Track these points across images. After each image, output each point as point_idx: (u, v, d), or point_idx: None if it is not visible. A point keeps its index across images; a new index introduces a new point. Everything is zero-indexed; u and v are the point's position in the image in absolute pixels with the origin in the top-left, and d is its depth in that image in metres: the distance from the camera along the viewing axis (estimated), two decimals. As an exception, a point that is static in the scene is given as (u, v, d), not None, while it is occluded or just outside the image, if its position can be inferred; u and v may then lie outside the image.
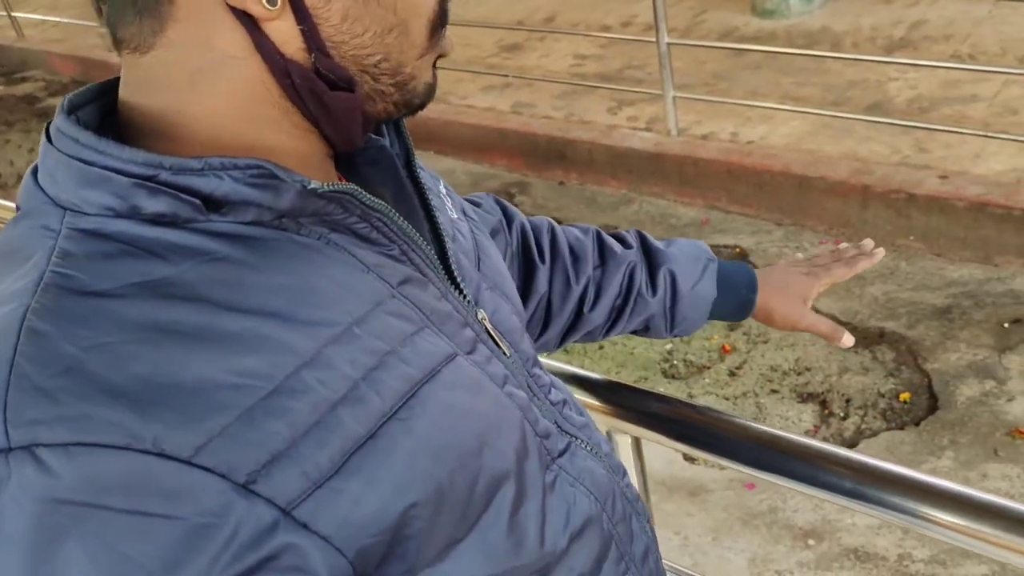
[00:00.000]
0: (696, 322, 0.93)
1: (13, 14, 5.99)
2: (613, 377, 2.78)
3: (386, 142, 0.63)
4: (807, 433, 2.34)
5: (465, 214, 0.71)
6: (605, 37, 4.18)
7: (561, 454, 0.64)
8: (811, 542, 2.04)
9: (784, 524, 2.10)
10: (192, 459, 0.42)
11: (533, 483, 0.59)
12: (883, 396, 2.40)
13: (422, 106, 0.57)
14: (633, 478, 1.07)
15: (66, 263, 0.45)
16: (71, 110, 0.50)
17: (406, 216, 0.56)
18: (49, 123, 0.50)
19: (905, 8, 3.98)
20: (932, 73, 3.38)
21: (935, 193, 2.83)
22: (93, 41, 5.47)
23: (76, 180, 0.47)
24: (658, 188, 3.46)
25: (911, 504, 0.80)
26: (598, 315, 0.89)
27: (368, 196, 0.51)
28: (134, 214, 0.46)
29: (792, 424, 2.37)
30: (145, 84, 0.50)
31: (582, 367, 2.81)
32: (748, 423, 0.92)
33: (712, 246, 3.10)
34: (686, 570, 1.15)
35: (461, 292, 0.60)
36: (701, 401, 2.49)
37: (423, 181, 0.64)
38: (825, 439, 2.31)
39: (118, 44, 0.50)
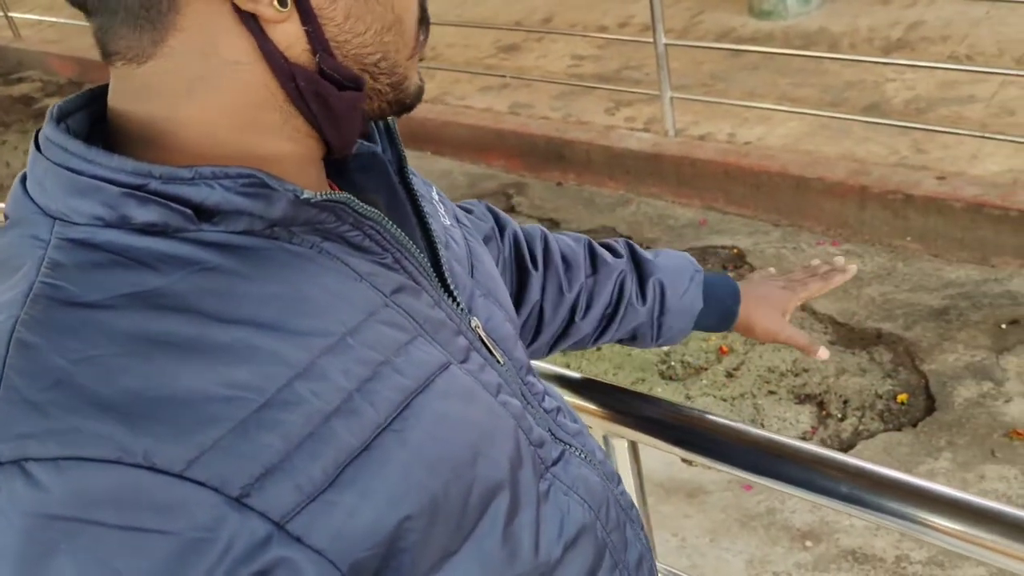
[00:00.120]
0: (681, 332, 0.94)
1: (10, 14, 5.98)
2: (610, 379, 2.77)
3: (378, 148, 0.62)
4: (805, 434, 2.34)
5: (458, 220, 0.71)
6: (602, 38, 4.17)
7: (555, 462, 0.63)
8: (809, 543, 2.04)
9: (782, 525, 2.10)
10: (184, 473, 0.42)
11: (527, 492, 0.59)
12: (880, 397, 2.40)
13: (411, 107, 0.57)
14: (630, 482, 1.07)
15: (56, 274, 0.45)
16: (60, 118, 0.49)
17: (399, 223, 0.56)
18: (38, 131, 0.49)
19: (902, 9, 3.98)
20: (929, 74, 3.38)
21: (932, 194, 2.83)
22: (90, 42, 5.35)
23: (65, 189, 0.46)
24: (656, 189, 3.46)
25: (907, 509, 0.80)
26: (589, 323, 0.90)
27: (361, 205, 0.51)
28: (124, 224, 0.46)
29: (789, 425, 2.37)
30: (139, 93, 0.49)
31: (579, 369, 2.79)
32: (745, 427, 0.92)
33: (710, 247, 3.13)
34: (683, 573, 1.15)
35: (455, 300, 0.59)
36: (699, 402, 2.49)
37: (416, 188, 0.63)
38: (823, 440, 2.31)
39: (109, 56, 0.49)
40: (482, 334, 0.61)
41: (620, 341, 0.95)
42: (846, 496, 0.83)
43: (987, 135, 2.89)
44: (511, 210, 3.60)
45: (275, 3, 0.46)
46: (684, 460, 2.24)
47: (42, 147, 0.48)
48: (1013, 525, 0.75)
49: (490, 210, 0.89)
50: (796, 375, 2.53)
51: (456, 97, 4.15)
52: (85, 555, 0.40)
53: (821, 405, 2.42)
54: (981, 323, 2.56)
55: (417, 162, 4.03)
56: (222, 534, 0.42)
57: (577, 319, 0.89)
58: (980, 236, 2.78)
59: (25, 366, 0.42)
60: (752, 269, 2.98)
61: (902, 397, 2.38)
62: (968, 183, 2.83)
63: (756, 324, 0.94)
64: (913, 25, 3.82)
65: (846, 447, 2.27)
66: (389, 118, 0.61)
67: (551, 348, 0.92)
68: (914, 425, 2.30)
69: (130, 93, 0.49)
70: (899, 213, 2.91)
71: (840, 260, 1.00)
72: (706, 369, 2.61)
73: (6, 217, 0.50)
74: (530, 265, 0.87)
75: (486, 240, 0.84)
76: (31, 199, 0.48)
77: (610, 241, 0.94)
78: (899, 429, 2.30)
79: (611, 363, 2.69)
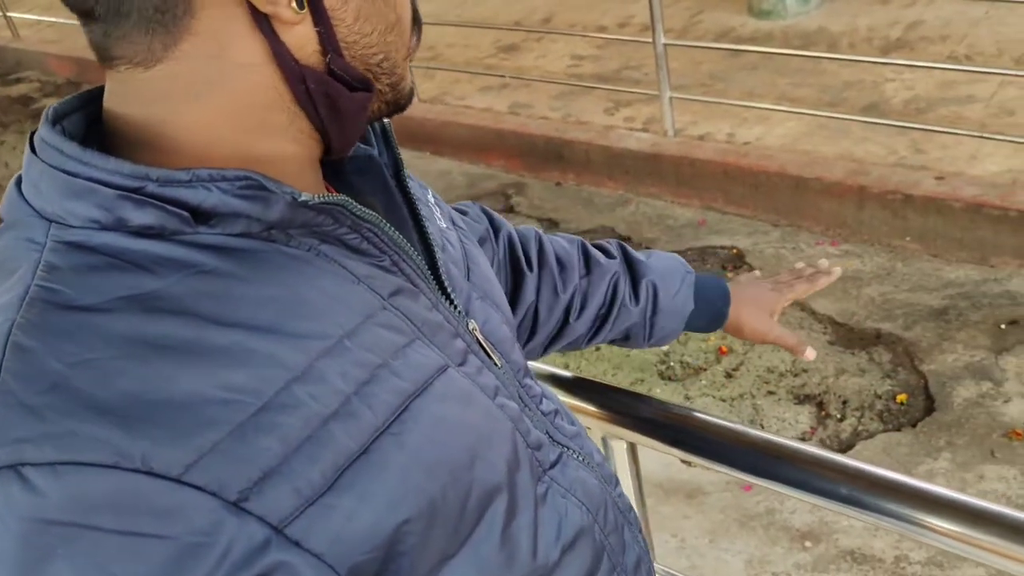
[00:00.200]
0: (673, 332, 0.96)
1: (8, 14, 5.98)
2: (609, 379, 2.76)
3: (375, 151, 0.62)
4: (804, 435, 2.34)
5: (454, 223, 0.71)
6: (602, 38, 4.17)
7: (553, 465, 0.63)
8: (808, 544, 2.04)
9: (781, 526, 2.10)
10: (182, 477, 0.41)
11: (525, 495, 0.58)
12: (880, 398, 2.40)
13: (404, 108, 0.57)
14: (628, 483, 1.07)
15: (52, 277, 0.45)
16: (56, 120, 0.49)
17: (396, 226, 0.56)
18: (33, 133, 0.49)
19: (902, 9, 3.98)
20: (928, 74, 3.38)
21: (931, 194, 2.83)
22: (89, 42, 5.45)
23: (61, 192, 0.46)
24: (655, 189, 3.46)
25: (905, 510, 0.80)
26: (583, 324, 0.91)
27: (359, 207, 0.51)
28: (120, 226, 0.46)
29: (789, 426, 2.37)
30: (142, 96, 0.48)
31: (578, 369, 2.79)
32: (743, 428, 0.92)
33: (708, 247, 3.13)
34: (683, 574, 1.15)
35: (452, 302, 0.59)
36: (698, 403, 2.49)
37: (412, 191, 0.63)
38: (822, 441, 2.31)
39: (112, 60, 0.48)
40: (479, 337, 0.61)
41: (613, 341, 0.96)
42: (844, 497, 0.83)
43: (986, 135, 2.89)
44: (510, 210, 3.60)
45: (293, 4, 0.47)
46: (683, 461, 2.24)
47: (37, 149, 0.48)
48: (1010, 526, 0.75)
49: (484, 212, 0.89)
50: (795, 375, 2.53)
51: (455, 97, 4.15)
52: (82, 560, 0.40)
53: (820, 405, 2.42)
54: (980, 323, 2.56)
55: (416, 162, 4.03)
56: (220, 539, 0.42)
57: (572, 320, 0.90)
58: (979, 236, 2.78)
59: (21, 370, 0.42)
60: (751, 269, 2.97)
61: (901, 397, 2.38)
62: (967, 183, 2.83)
63: (745, 324, 0.96)
64: (912, 25, 3.82)
65: (845, 447, 2.27)
66: (385, 121, 0.62)
67: (546, 349, 0.92)
68: (913, 425, 2.30)
69: (131, 96, 0.49)
70: (898, 213, 2.91)
71: (824, 263, 1.02)
72: (705, 369, 2.60)
73: (1, 220, 0.50)
74: (525, 266, 0.87)
75: (481, 242, 0.84)
76: (26, 202, 0.48)
77: (603, 242, 0.95)
78: (898, 429, 2.30)
79: (610, 363, 2.69)
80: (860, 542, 2.02)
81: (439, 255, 0.61)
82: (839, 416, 2.37)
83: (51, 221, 0.47)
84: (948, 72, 3.31)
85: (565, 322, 0.90)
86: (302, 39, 0.48)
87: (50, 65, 5.81)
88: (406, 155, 4.32)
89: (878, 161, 3.05)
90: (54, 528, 0.40)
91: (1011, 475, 2.11)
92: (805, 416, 2.40)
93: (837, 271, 1.01)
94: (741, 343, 2.66)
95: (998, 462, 2.15)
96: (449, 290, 0.60)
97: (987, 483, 2.10)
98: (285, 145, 0.51)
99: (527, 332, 0.89)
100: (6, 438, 0.41)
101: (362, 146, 0.62)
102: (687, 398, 2.52)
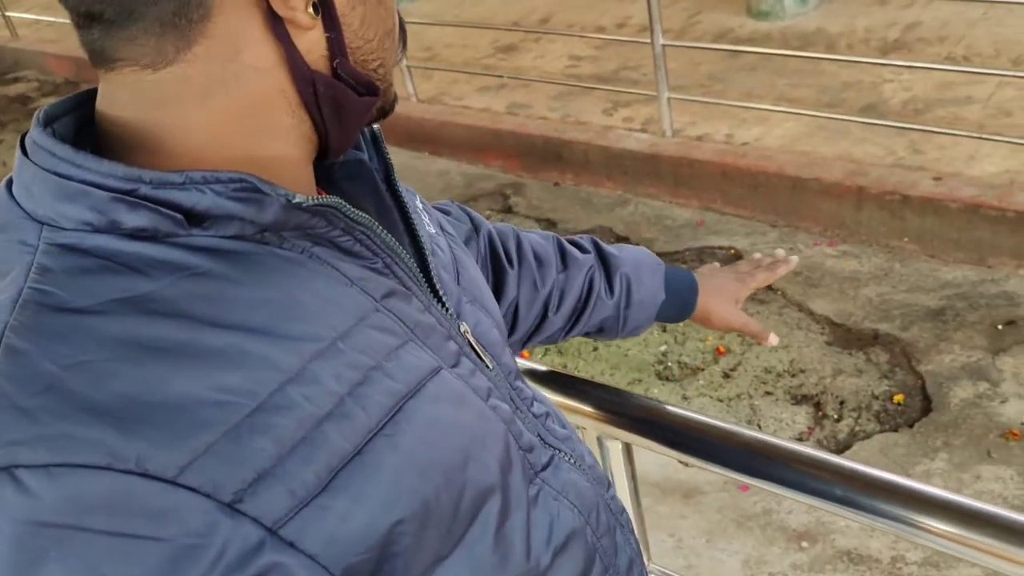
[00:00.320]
0: (645, 323, 0.98)
1: (7, 13, 5.97)
2: (607, 379, 2.76)
3: (365, 156, 0.63)
4: (801, 435, 2.34)
5: (442, 229, 0.71)
6: (600, 38, 4.18)
7: (544, 467, 0.64)
8: (805, 544, 2.05)
9: (778, 526, 2.10)
10: (176, 479, 0.42)
11: (517, 497, 0.59)
12: (877, 398, 2.41)
13: (388, 114, 0.58)
14: (624, 484, 1.07)
15: (44, 279, 0.45)
16: (47, 122, 0.49)
17: (387, 229, 0.56)
18: (24, 135, 0.49)
19: (900, 10, 3.99)
20: (927, 75, 3.38)
21: (929, 195, 2.83)
22: (87, 41, 5.45)
23: (53, 194, 0.46)
24: (653, 189, 3.46)
25: (900, 511, 0.80)
26: (560, 318, 0.93)
27: (352, 209, 0.51)
28: (113, 229, 0.46)
29: (786, 426, 2.37)
30: (144, 99, 0.48)
31: (576, 370, 2.78)
32: (738, 429, 0.92)
33: (707, 247, 3.13)
34: (679, 574, 1.15)
35: (443, 305, 0.59)
36: (695, 403, 2.49)
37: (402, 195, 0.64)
38: (819, 441, 2.31)
39: (113, 63, 0.48)
40: (471, 339, 0.61)
41: (587, 334, 0.98)
42: (839, 498, 0.83)
43: (984, 136, 2.90)
44: (508, 210, 3.60)
45: (309, 10, 0.47)
46: (680, 461, 2.24)
47: (29, 152, 0.48)
48: (1005, 527, 0.75)
49: (464, 210, 0.90)
50: (793, 376, 2.53)
51: (454, 97, 4.15)
52: (76, 562, 0.40)
53: (818, 406, 2.42)
54: (977, 324, 2.56)
55: (414, 162, 4.03)
56: (215, 540, 0.42)
57: (550, 314, 0.92)
58: (977, 237, 2.78)
59: (14, 372, 0.42)
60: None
61: (898, 398, 2.39)
62: (965, 184, 2.83)
63: (712, 313, 0.99)
64: (910, 26, 3.83)
65: (842, 448, 2.28)
66: (375, 126, 0.62)
67: (525, 343, 0.94)
68: (910, 426, 2.31)
69: (130, 99, 0.48)
70: (896, 214, 2.91)
71: (781, 252, 1.06)
72: (703, 370, 2.61)
73: None
74: (506, 263, 0.89)
75: (467, 242, 0.85)
76: (17, 204, 0.48)
77: (576, 238, 0.97)
78: (895, 430, 2.30)
79: (607, 363, 2.69)
80: (857, 542, 2.02)
81: (430, 258, 0.61)
82: (836, 416, 2.38)
83: (43, 224, 0.46)
84: (946, 73, 3.32)
85: (544, 317, 0.92)
86: (312, 43, 0.49)
87: (48, 65, 5.81)
88: (404, 155, 4.29)
89: (876, 162, 3.05)
90: (48, 530, 0.40)
91: (1008, 475, 2.11)
92: (802, 416, 2.40)
93: (794, 259, 1.04)
94: (739, 343, 2.66)
95: (995, 462, 2.15)
96: (441, 293, 0.60)
97: (984, 483, 2.10)
98: (283, 147, 0.51)
99: (508, 327, 0.90)
100: (0, 440, 0.41)
101: (353, 151, 0.62)
102: (685, 398, 2.52)
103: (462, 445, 0.54)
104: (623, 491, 1.07)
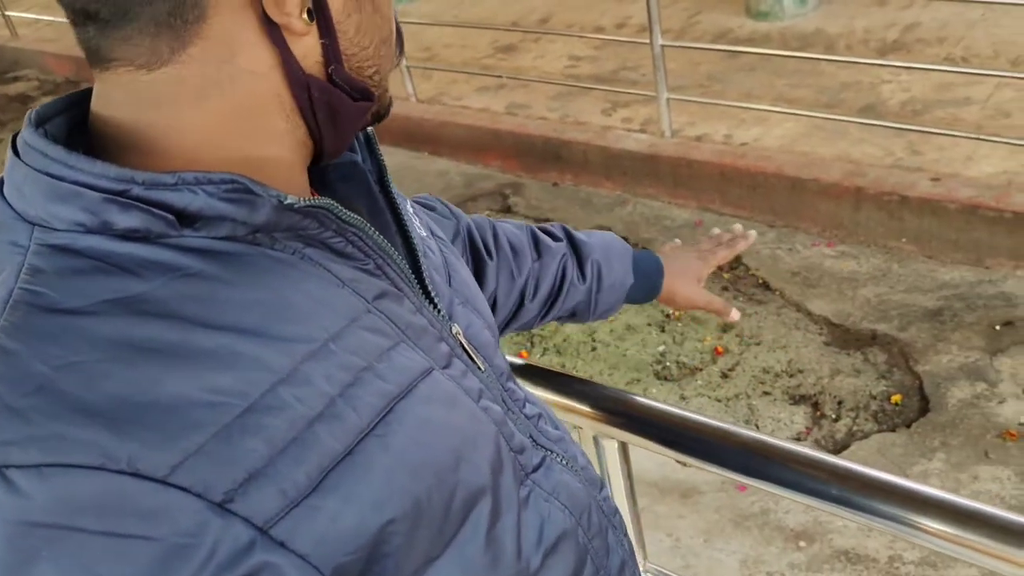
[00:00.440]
0: (615, 306, 1.01)
1: (7, 13, 5.97)
2: (605, 379, 2.75)
3: (358, 158, 0.63)
4: (799, 435, 2.34)
5: (433, 234, 0.72)
6: (599, 39, 4.18)
7: (535, 469, 0.64)
8: (802, 544, 2.05)
9: (776, 526, 2.10)
10: (167, 478, 0.42)
11: (508, 498, 0.59)
12: (875, 398, 2.41)
13: (383, 119, 0.58)
14: (620, 483, 1.07)
15: (36, 280, 0.45)
16: (39, 123, 0.49)
17: (380, 231, 0.56)
18: (15, 136, 0.49)
19: (899, 11, 3.99)
20: (925, 76, 3.38)
21: (927, 195, 2.84)
22: (87, 40, 5.44)
23: (45, 195, 0.46)
24: (652, 189, 3.46)
25: (896, 511, 0.80)
26: (536, 305, 0.95)
27: (344, 211, 0.51)
28: (105, 229, 0.46)
29: (784, 426, 2.38)
30: (139, 99, 0.48)
31: (574, 369, 2.77)
32: (735, 429, 0.92)
33: (705, 248, 3.13)
34: (677, 573, 1.15)
35: (435, 306, 0.60)
36: (693, 403, 2.49)
37: (395, 197, 0.64)
38: (817, 441, 2.31)
39: (108, 63, 0.48)
40: (463, 340, 0.61)
41: (559, 318, 1.01)
42: (837, 498, 0.83)
43: (982, 137, 2.90)
44: (508, 210, 3.60)
45: (304, 16, 0.47)
46: (678, 461, 2.24)
47: (21, 152, 0.48)
48: (1000, 527, 0.75)
49: (446, 205, 0.92)
50: (791, 376, 2.53)
51: (453, 97, 4.15)
52: (68, 562, 0.40)
53: (815, 406, 2.42)
54: (975, 324, 2.56)
55: (414, 162, 4.04)
56: (206, 540, 0.42)
57: (527, 302, 0.94)
58: (975, 238, 2.79)
59: (6, 372, 0.42)
60: (747, 270, 2.98)
61: (896, 398, 2.39)
62: (963, 185, 2.83)
63: (678, 293, 1.02)
64: (909, 27, 3.83)
65: (840, 448, 2.28)
66: (369, 128, 0.62)
67: (501, 331, 0.96)
68: (908, 426, 2.31)
69: (125, 99, 0.48)
70: (894, 214, 2.92)
71: (739, 227, 1.09)
72: (701, 370, 2.61)
73: None
74: (485, 256, 0.90)
75: (454, 237, 0.88)
76: (8, 204, 0.48)
77: (547, 226, 1.00)
78: (893, 430, 2.31)
79: (606, 363, 2.69)
80: (854, 542, 2.02)
81: (422, 260, 0.62)
82: (834, 416, 2.38)
83: (34, 224, 0.46)
84: (945, 74, 3.32)
85: (520, 305, 0.94)
86: (307, 49, 0.49)
87: (48, 64, 5.81)
88: (404, 155, 4.28)
89: (875, 162, 3.05)
90: (39, 530, 0.40)
91: (1005, 476, 2.11)
92: (800, 416, 2.40)
93: (752, 234, 1.07)
94: (737, 343, 2.66)
95: (992, 463, 2.15)
96: (433, 294, 0.60)
97: (981, 483, 2.10)
98: (278, 150, 0.51)
99: None
100: None
101: (347, 152, 0.62)
102: (683, 398, 2.52)
103: (453, 446, 0.54)
104: (619, 491, 1.08)
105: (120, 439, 0.41)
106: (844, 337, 2.63)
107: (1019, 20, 3.61)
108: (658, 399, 1.08)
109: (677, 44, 3.72)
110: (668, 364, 2.65)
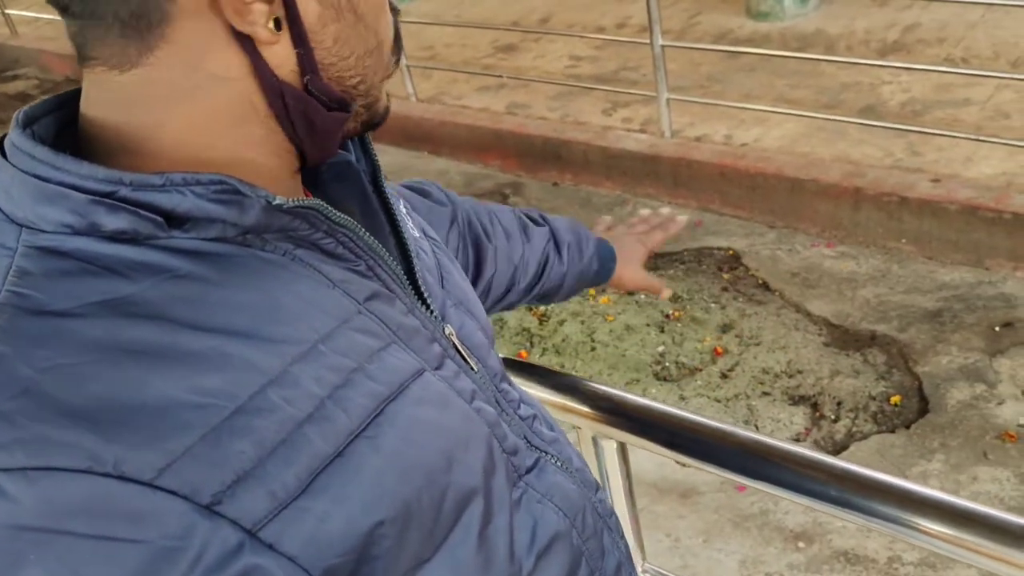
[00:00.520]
0: (577, 291, 1.07)
1: (7, 11, 5.97)
2: (604, 379, 2.76)
3: (352, 158, 0.62)
4: (798, 436, 2.34)
5: (425, 234, 0.71)
6: (600, 39, 4.18)
7: (529, 470, 0.63)
8: (802, 544, 2.05)
9: (775, 526, 2.10)
10: (154, 481, 0.41)
11: (500, 499, 0.59)
12: (874, 399, 2.41)
13: (378, 126, 0.57)
14: (618, 483, 1.07)
15: (23, 282, 0.44)
16: (26, 124, 0.48)
17: (372, 232, 0.56)
18: (2, 137, 0.48)
19: (899, 11, 3.99)
20: (925, 76, 3.38)
21: (927, 196, 2.84)
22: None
23: (32, 196, 0.46)
24: (652, 190, 3.46)
25: (894, 512, 0.80)
26: (523, 287, 0.99)
27: (334, 211, 0.51)
28: (93, 231, 0.45)
29: (783, 427, 2.38)
30: (117, 100, 0.48)
31: (572, 369, 2.77)
32: (733, 429, 0.92)
33: (705, 248, 3.13)
34: (676, 574, 1.15)
35: (428, 307, 0.59)
36: (693, 403, 2.49)
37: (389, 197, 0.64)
38: (816, 442, 2.31)
39: (88, 60, 0.48)
40: (456, 341, 0.61)
41: (529, 301, 1.05)
42: (835, 499, 0.83)
43: (982, 138, 2.90)
44: (507, 210, 3.60)
45: (270, 25, 0.47)
46: (677, 461, 2.24)
47: (8, 153, 0.47)
48: (998, 528, 0.75)
49: (442, 191, 0.93)
50: (790, 376, 2.53)
51: (453, 97, 4.15)
52: (55, 565, 0.40)
53: (815, 406, 2.42)
54: (975, 325, 2.56)
55: (414, 162, 4.03)
56: (193, 542, 0.42)
57: (517, 284, 0.98)
58: (974, 238, 2.79)
59: None
60: (747, 271, 2.98)
61: (895, 399, 2.39)
62: (962, 186, 2.83)
63: (625, 276, 1.08)
64: (909, 28, 3.83)
65: (839, 449, 2.28)
66: None
67: (489, 311, 0.98)
68: (907, 427, 2.31)
69: (107, 100, 0.48)
70: (894, 215, 2.92)
71: (667, 210, 1.16)
72: (700, 370, 2.61)
73: None
74: (485, 240, 0.93)
75: (451, 223, 0.89)
76: None
77: (529, 210, 1.04)
78: (892, 431, 2.31)
79: (605, 363, 2.69)
80: (854, 543, 2.02)
81: (415, 261, 0.61)
82: (833, 417, 2.38)
83: (22, 226, 0.46)
84: (944, 75, 3.32)
85: (511, 287, 0.97)
86: (281, 57, 0.48)
87: (47, 63, 5.81)
88: (403, 155, 4.28)
89: (874, 163, 3.05)
90: (26, 534, 0.40)
91: (1004, 477, 2.11)
92: (800, 417, 2.40)
93: (682, 219, 1.14)
94: (736, 344, 2.66)
95: (991, 464, 2.15)
96: (425, 295, 0.60)
97: (980, 485, 2.10)
98: (261, 155, 0.51)
99: (482, 298, 0.94)
100: None
101: (341, 152, 0.62)
102: (682, 399, 2.52)
103: (445, 447, 0.54)
104: (618, 491, 1.08)
105: (106, 442, 0.41)
106: (843, 338, 2.63)
107: (1019, 21, 3.61)
108: (657, 399, 1.08)
109: (677, 44, 3.72)
110: (667, 364, 2.65)
